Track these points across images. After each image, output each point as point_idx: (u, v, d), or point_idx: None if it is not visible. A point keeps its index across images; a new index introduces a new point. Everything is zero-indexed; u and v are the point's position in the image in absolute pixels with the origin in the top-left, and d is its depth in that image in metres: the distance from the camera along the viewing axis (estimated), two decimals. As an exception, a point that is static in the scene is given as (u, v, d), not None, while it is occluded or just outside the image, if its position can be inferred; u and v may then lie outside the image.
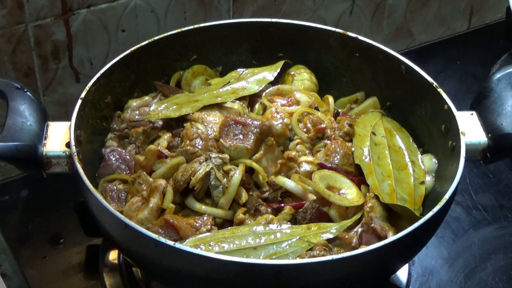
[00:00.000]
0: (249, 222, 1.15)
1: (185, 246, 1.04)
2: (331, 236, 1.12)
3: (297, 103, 1.33)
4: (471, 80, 1.88)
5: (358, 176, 1.22)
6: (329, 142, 1.25)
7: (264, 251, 1.09)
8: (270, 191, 1.20)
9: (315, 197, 1.17)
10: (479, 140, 1.25)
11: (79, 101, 1.24)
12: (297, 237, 1.11)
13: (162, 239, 1.02)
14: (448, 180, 1.17)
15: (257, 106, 1.36)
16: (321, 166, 1.21)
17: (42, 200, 1.50)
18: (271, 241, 1.10)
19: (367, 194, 1.18)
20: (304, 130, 1.29)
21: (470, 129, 1.25)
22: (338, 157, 1.22)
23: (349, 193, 1.19)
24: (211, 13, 1.64)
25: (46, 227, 1.45)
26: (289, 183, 1.18)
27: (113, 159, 1.28)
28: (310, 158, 1.23)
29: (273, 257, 1.08)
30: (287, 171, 1.23)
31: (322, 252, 1.09)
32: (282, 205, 1.17)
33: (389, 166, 1.24)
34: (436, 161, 1.28)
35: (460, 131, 1.21)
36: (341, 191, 1.19)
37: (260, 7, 1.69)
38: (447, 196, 1.11)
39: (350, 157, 1.23)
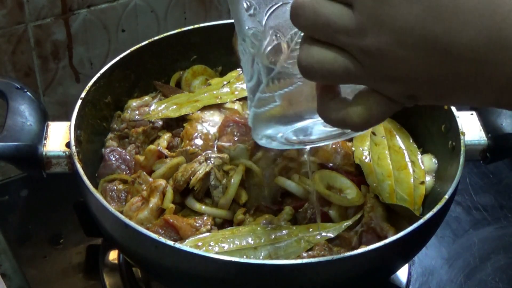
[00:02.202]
0: (249, 221, 1.15)
1: (185, 246, 1.04)
2: (331, 236, 1.12)
3: (297, 103, 1.33)
4: (471, 80, 1.87)
5: (358, 176, 1.22)
6: (329, 142, 1.25)
7: (264, 251, 1.09)
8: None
9: (315, 197, 1.17)
10: (479, 140, 1.25)
11: (79, 101, 1.24)
12: (297, 237, 1.11)
13: (162, 239, 1.02)
14: (448, 180, 1.17)
15: (257, 106, 1.35)
16: (321, 166, 1.21)
17: (42, 200, 1.50)
18: (271, 241, 1.10)
19: (367, 194, 1.18)
20: (304, 130, 1.28)
21: (470, 129, 1.25)
22: (338, 157, 1.22)
23: (349, 193, 1.18)
24: (211, 13, 1.64)
25: (46, 227, 1.45)
26: (289, 183, 1.18)
27: (113, 159, 1.28)
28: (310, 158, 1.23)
29: (273, 257, 1.08)
30: (287, 171, 1.22)
31: (322, 252, 1.09)
32: (282, 205, 1.17)
33: (389, 166, 1.24)
34: (436, 161, 1.27)
35: (460, 131, 1.21)
36: (341, 191, 1.18)
37: (260, 7, 1.68)
38: (447, 196, 1.11)
39: (350, 157, 1.23)
